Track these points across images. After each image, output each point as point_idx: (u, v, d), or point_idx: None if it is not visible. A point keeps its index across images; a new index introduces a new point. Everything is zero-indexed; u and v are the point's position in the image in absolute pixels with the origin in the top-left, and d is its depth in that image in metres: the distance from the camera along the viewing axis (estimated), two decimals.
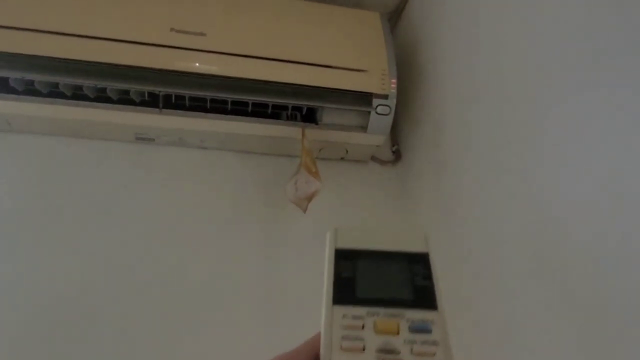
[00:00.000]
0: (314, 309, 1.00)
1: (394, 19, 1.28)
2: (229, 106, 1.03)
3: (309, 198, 1.01)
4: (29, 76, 0.92)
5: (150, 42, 0.96)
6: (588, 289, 0.63)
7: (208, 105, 1.03)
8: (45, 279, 0.94)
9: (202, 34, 0.99)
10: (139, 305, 0.96)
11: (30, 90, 0.95)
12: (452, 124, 1.03)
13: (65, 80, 0.94)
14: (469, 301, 0.90)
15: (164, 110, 1.01)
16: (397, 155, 1.24)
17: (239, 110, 1.04)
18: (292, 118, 1.08)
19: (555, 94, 0.71)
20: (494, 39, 0.88)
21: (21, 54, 0.90)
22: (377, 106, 1.05)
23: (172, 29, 0.98)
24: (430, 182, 1.11)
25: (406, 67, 1.21)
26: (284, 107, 1.06)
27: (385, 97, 1.06)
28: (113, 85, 0.95)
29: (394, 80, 1.07)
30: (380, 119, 1.07)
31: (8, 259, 0.94)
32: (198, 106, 1.02)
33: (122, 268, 0.98)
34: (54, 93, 0.96)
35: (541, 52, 0.74)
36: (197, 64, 0.98)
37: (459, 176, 0.99)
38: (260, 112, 1.05)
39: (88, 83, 0.95)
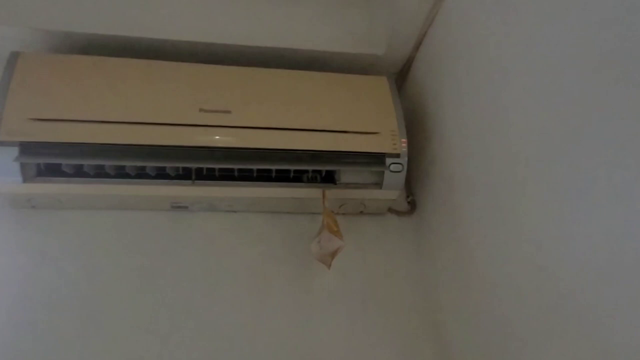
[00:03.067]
0: (341, 356, 1.08)
1: (400, 79, 1.38)
2: (255, 173, 1.14)
3: (333, 255, 1.09)
4: (78, 162, 1.04)
5: (182, 122, 1.07)
6: (587, 324, 0.69)
7: (236, 173, 1.13)
8: (96, 343, 1.04)
9: (227, 112, 1.10)
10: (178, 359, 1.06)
11: (79, 173, 1.07)
12: (459, 177, 1.10)
13: (109, 163, 1.05)
14: (484, 342, 0.96)
15: (196, 181, 1.11)
16: (413, 206, 1.32)
17: (263, 176, 1.15)
18: (312, 180, 1.18)
19: (555, 151, 0.78)
20: (496, 96, 0.96)
21: (72, 143, 1.02)
22: (390, 165, 1.14)
23: (200, 109, 1.09)
24: (444, 230, 1.18)
25: (415, 124, 1.30)
26: (305, 171, 1.16)
27: (397, 155, 1.15)
28: (151, 164, 1.07)
29: (404, 140, 1.16)
30: (394, 175, 1.16)
31: (61, 327, 1.04)
32: (227, 175, 1.13)
33: (164, 327, 1.08)
34: (100, 174, 1.08)
35: (543, 110, 0.81)
36: (224, 139, 1.08)
37: (469, 225, 1.06)
38: (283, 176, 1.15)
39: (129, 164, 1.06)
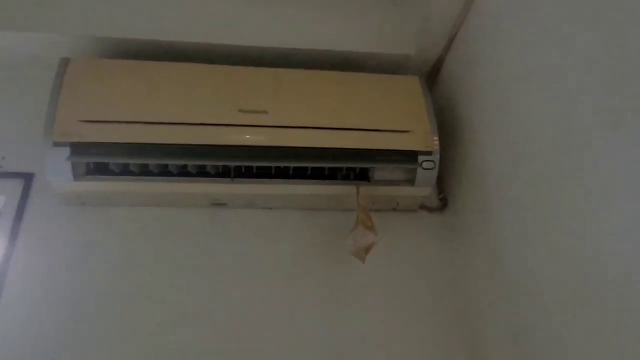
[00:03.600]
0: (374, 351, 1.10)
1: (431, 78, 1.40)
2: (291, 171, 1.17)
3: (367, 250, 1.12)
4: (125, 161, 1.09)
5: (222, 123, 1.12)
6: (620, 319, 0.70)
7: (273, 171, 1.17)
8: (140, 332, 1.10)
9: (264, 112, 1.14)
10: (217, 349, 1.11)
11: (125, 172, 1.13)
12: (491, 174, 1.12)
13: (154, 162, 1.10)
14: (515, 336, 0.97)
15: (235, 179, 1.16)
16: (444, 203, 1.34)
17: (299, 174, 1.18)
18: (346, 177, 1.21)
19: (587, 147, 0.79)
20: (525, 95, 0.97)
21: (119, 143, 1.07)
22: (422, 162, 1.17)
23: (239, 110, 1.14)
24: (476, 227, 1.19)
25: (447, 123, 1.32)
26: (340, 169, 1.19)
27: (429, 153, 1.17)
28: (193, 163, 1.11)
29: (436, 138, 1.18)
30: (426, 173, 1.18)
31: (108, 317, 1.10)
32: (264, 173, 1.17)
33: (204, 318, 1.13)
34: (144, 172, 1.13)
35: (573, 108, 0.83)
36: (262, 138, 1.12)
37: (501, 221, 1.08)
38: (318, 174, 1.19)
39: (172, 162, 1.11)
